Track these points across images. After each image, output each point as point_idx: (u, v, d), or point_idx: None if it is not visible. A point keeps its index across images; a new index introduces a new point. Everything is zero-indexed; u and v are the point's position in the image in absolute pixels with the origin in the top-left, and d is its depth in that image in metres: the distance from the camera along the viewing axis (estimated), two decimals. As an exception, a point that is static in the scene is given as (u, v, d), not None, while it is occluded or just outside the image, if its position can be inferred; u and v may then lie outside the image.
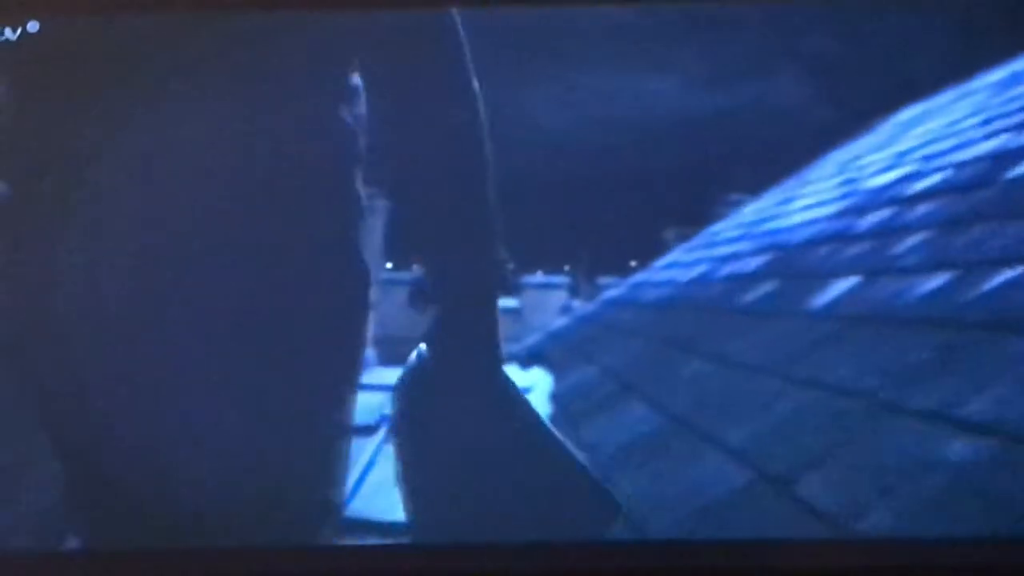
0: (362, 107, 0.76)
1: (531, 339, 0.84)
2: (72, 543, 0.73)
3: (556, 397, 0.88)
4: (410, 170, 0.77)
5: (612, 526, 0.77)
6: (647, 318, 0.91)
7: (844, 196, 0.94)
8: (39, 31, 0.74)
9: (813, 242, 0.93)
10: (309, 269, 0.75)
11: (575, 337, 0.89)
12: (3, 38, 0.74)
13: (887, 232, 0.92)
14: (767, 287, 0.94)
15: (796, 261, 0.92)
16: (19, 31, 0.74)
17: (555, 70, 0.77)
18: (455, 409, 0.77)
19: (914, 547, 0.73)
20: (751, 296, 0.93)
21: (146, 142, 0.73)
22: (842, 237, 0.93)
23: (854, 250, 0.91)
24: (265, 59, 0.74)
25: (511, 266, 0.76)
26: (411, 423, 0.78)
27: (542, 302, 0.83)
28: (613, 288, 0.85)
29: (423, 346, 0.78)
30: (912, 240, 0.90)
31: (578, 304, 0.84)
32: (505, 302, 0.81)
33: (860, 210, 0.93)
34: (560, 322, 0.85)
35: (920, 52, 0.78)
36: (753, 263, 0.94)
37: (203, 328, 0.74)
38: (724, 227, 0.90)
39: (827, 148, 0.82)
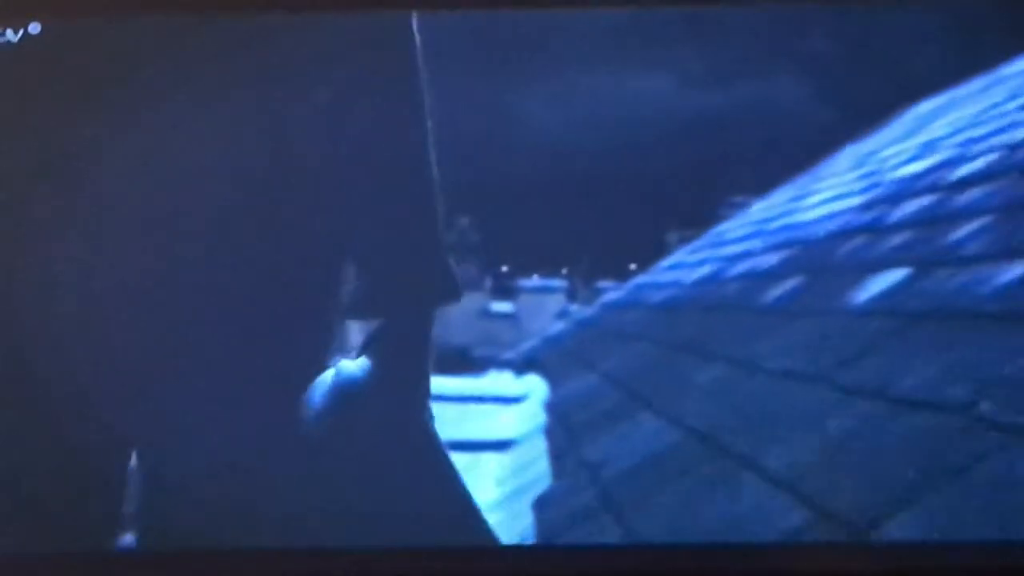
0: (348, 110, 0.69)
1: (527, 345, 0.75)
2: (62, 544, 0.66)
3: (553, 406, 0.75)
4: (358, 179, 0.69)
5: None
6: (651, 321, 0.77)
7: (868, 188, 0.78)
8: (40, 33, 0.68)
9: (839, 235, 0.76)
10: (310, 273, 0.69)
11: (573, 342, 0.77)
12: (4, 39, 0.69)
13: (933, 220, 0.74)
14: (790, 283, 0.75)
15: (822, 256, 0.75)
16: (21, 33, 0.69)
17: (551, 71, 0.71)
18: (367, 423, 0.68)
19: (927, 551, 0.62)
20: (772, 294, 0.75)
21: (147, 144, 0.67)
22: (874, 228, 0.75)
23: (893, 241, 0.74)
24: (267, 61, 0.68)
25: (459, 283, 0.68)
26: (323, 426, 0.68)
27: (538, 306, 0.75)
28: (613, 291, 0.75)
29: (355, 354, 0.69)
30: (969, 227, 0.71)
31: (576, 308, 0.76)
32: (500, 306, 0.72)
33: (892, 200, 0.76)
34: (557, 327, 0.76)
35: (921, 49, 0.73)
36: (770, 260, 0.77)
37: (205, 331, 0.67)
38: (730, 227, 0.76)
39: (830, 146, 0.74)
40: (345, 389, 0.68)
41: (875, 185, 0.78)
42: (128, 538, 0.66)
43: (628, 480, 0.67)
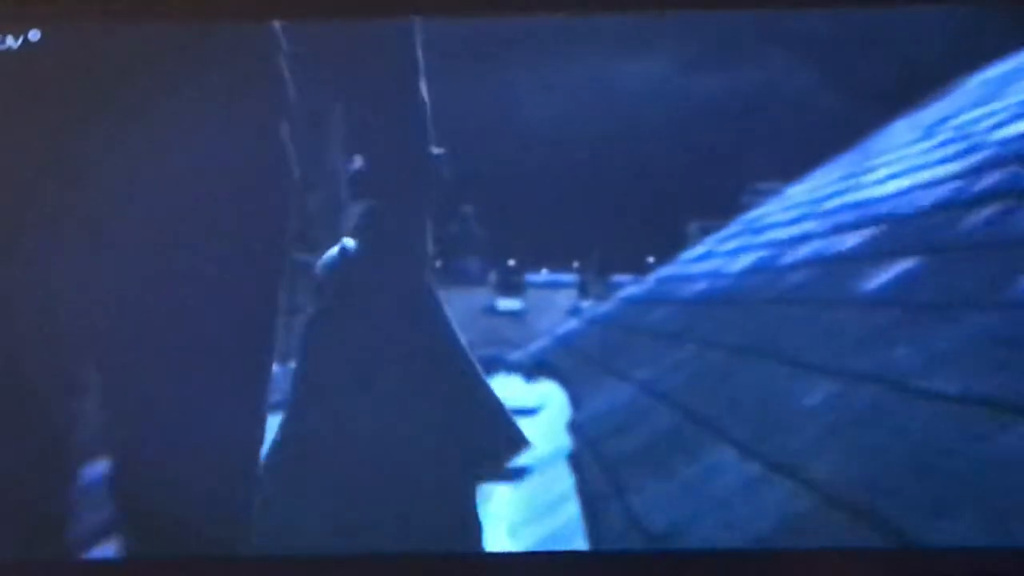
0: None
1: (536, 345, 0.62)
2: (58, 551, 0.60)
3: (579, 428, 0.57)
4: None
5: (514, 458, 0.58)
6: (691, 317, 0.60)
7: (960, 155, 0.59)
8: (40, 39, 0.65)
9: (946, 207, 0.56)
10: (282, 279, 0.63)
11: (591, 343, 0.62)
12: (5, 46, 0.65)
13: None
14: (895, 267, 0.54)
15: (930, 232, 0.55)
16: (21, 39, 0.65)
17: (555, 60, 0.64)
18: (370, 307, 0.64)
19: (958, 557, 0.50)
20: (870, 281, 0.54)
21: (146, 150, 0.62)
22: (1009, 194, 0.54)
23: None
24: (266, 67, 0.63)
25: (444, 171, 0.63)
26: (327, 317, 0.64)
27: (548, 303, 0.63)
28: (631, 285, 0.62)
29: (348, 240, 0.65)
30: None
31: (589, 304, 0.63)
32: (507, 303, 0.64)
33: (1013, 162, 0.56)
34: (569, 325, 0.63)
35: (931, 32, 0.62)
36: (845, 241, 0.58)
37: (203, 334, 0.61)
38: (766, 212, 0.60)
39: (847, 130, 0.61)
40: (350, 264, 0.64)
41: (971, 150, 0.60)
42: (120, 545, 0.60)
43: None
